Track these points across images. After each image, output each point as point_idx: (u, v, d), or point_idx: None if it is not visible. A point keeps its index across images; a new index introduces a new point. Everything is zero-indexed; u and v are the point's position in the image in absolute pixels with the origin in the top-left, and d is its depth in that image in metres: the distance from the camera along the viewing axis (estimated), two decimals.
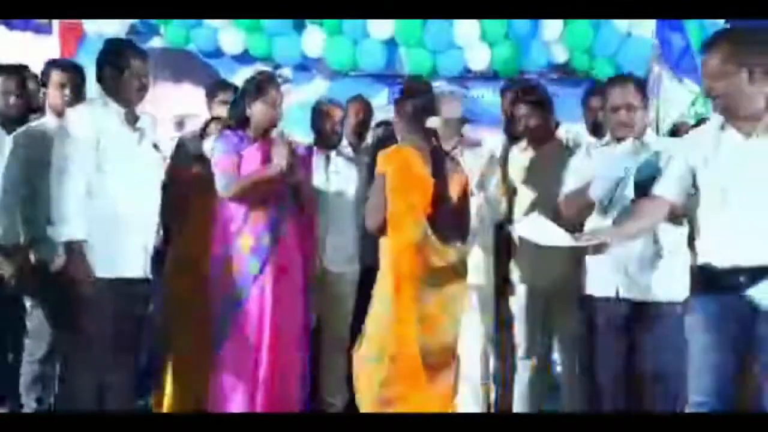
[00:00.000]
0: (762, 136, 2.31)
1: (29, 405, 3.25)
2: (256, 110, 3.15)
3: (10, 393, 3.29)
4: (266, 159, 3.14)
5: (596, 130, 3.43)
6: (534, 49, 4.68)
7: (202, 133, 3.50)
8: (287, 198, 3.19)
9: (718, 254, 2.36)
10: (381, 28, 4.59)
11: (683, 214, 2.73)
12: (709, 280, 2.40)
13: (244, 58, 4.79)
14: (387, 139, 3.81)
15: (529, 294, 3.29)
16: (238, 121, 3.19)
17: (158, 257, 3.10)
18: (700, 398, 2.37)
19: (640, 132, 2.91)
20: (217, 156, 3.13)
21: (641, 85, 3.00)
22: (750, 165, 2.31)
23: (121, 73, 2.85)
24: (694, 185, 2.46)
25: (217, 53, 4.83)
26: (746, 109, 2.31)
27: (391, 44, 4.66)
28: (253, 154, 3.14)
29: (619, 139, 2.91)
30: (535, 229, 2.66)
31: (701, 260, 2.43)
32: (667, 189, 2.52)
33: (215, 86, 3.87)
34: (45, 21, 4.89)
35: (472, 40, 4.60)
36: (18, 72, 3.40)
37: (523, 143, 3.39)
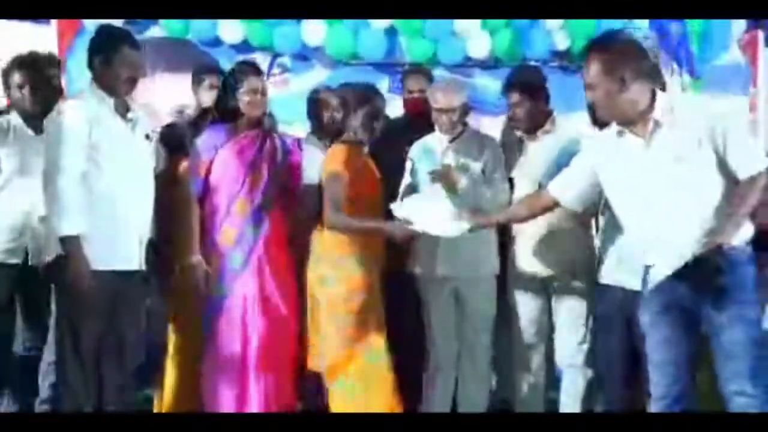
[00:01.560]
0: (655, 135, 2.38)
1: (44, 391, 3.27)
2: (240, 101, 3.13)
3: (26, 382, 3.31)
4: (241, 156, 3.14)
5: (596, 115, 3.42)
6: (535, 37, 4.65)
7: (196, 122, 3.48)
8: (271, 189, 3.17)
9: (648, 255, 2.47)
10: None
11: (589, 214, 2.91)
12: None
13: (244, 47, 4.75)
14: (385, 130, 3.80)
15: (530, 284, 3.28)
16: (224, 114, 3.18)
17: (155, 250, 3.10)
18: (658, 393, 2.47)
19: None
20: (194, 154, 3.15)
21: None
22: (653, 164, 2.39)
23: (110, 61, 2.80)
24: (600, 192, 2.60)
25: (217, 42, 4.79)
26: (625, 114, 2.40)
27: (391, 33, 4.63)
28: (228, 150, 3.14)
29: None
30: (420, 213, 2.86)
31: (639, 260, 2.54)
32: (556, 186, 2.68)
33: (202, 71, 3.74)
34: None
35: (472, 28, 4.57)
36: (31, 63, 3.34)
37: (519, 132, 3.37)
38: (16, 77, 3.26)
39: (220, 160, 3.13)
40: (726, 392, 2.40)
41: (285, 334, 3.18)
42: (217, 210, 3.13)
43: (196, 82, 3.69)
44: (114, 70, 2.81)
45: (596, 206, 3.05)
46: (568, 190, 2.66)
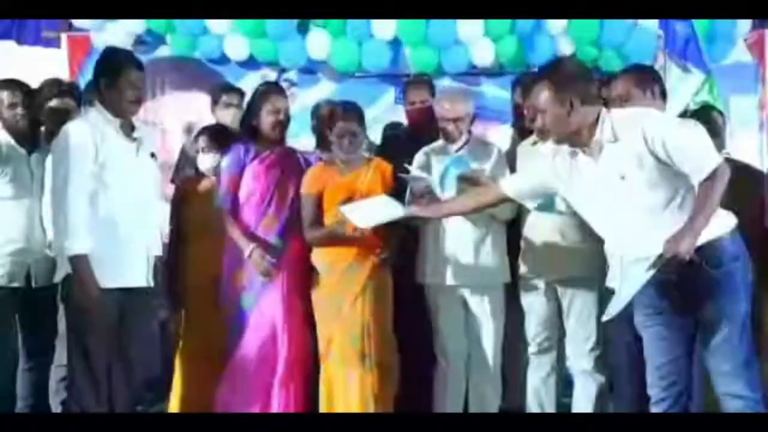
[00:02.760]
0: (601, 154, 2.45)
1: (55, 407, 3.31)
2: (261, 120, 3.19)
3: (39, 394, 3.34)
4: (269, 173, 3.19)
5: None
6: (539, 43, 4.66)
7: (197, 140, 3.53)
8: (297, 206, 3.23)
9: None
10: (384, 28, 4.59)
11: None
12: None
13: (250, 63, 4.81)
14: (393, 139, 3.83)
15: (540, 289, 3.27)
16: (246, 132, 3.23)
17: (169, 266, 3.14)
18: (656, 396, 2.48)
19: None
20: (222, 170, 3.22)
21: (647, 75, 2.96)
22: (602, 182, 2.45)
23: (114, 83, 2.85)
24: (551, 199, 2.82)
25: (223, 60, 4.86)
26: (574, 136, 2.48)
27: (395, 44, 4.66)
28: (254, 168, 3.20)
29: None
30: (362, 212, 2.95)
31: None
32: (508, 183, 2.79)
33: (219, 90, 3.89)
34: (53, 35, 4.96)
35: (476, 36, 4.58)
36: (21, 84, 3.38)
37: (533, 136, 3.35)
38: (6, 97, 3.29)
39: (248, 177, 3.20)
40: (717, 393, 2.38)
41: (305, 346, 3.23)
42: (246, 227, 3.19)
43: (214, 100, 3.78)
44: (119, 92, 2.85)
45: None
46: (522, 189, 2.74)
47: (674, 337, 2.45)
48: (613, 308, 2.40)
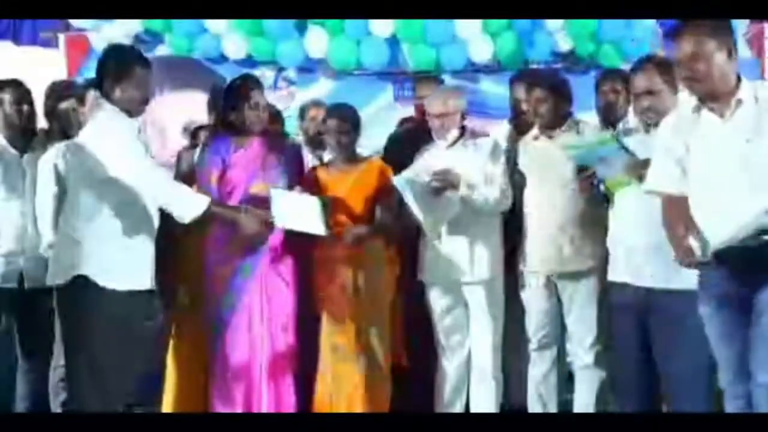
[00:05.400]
0: (735, 115, 2.33)
1: (55, 408, 3.28)
2: (240, 115, 3.17)
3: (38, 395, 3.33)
4: (246, 166, 3.16)
5: (606, 115, 3.42)
6: (538, 39, 4.67)
7: (193, 143, 3.53)
8: None
9: (714, 235, 2.31)
10: (383, 26, 4.59)
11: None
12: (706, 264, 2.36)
13: (248, 62, 4.83)
14: (402, 136, 3.83)
15: (540, 285, 3.28)
16: (225, 127, 3.21)
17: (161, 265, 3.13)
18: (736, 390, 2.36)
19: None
20: (200, 167, 3.19)
21: (664, 67, 2.94)
22: (729, 143, 2.32)
23: (122, 83, 2.75)
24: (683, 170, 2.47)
25: (222, 59, 4.88)
26: (724, 88, 2.34)
27: (393, 41, 4.66)
28: (237, 161, 3.16)
29: (648, 125, 2.82)
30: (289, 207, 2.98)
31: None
32: (656, 181, 2.54)
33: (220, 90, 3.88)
34: (50, 35, 4.98)
35: (474, 33, 4.59)
36: (18, 84, 3.36)
37: (535, 131, 3.36)
38: (3, 96, 3.26)
39: (228, 172, 3.17)
40: (754, 383, 2.27)
41: (289, 343, 3.22)
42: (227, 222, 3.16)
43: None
44: (126, 92, 2.75)
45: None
46: (669, 180, 2.51)
47: (738, 332, 2.33)
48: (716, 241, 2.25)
